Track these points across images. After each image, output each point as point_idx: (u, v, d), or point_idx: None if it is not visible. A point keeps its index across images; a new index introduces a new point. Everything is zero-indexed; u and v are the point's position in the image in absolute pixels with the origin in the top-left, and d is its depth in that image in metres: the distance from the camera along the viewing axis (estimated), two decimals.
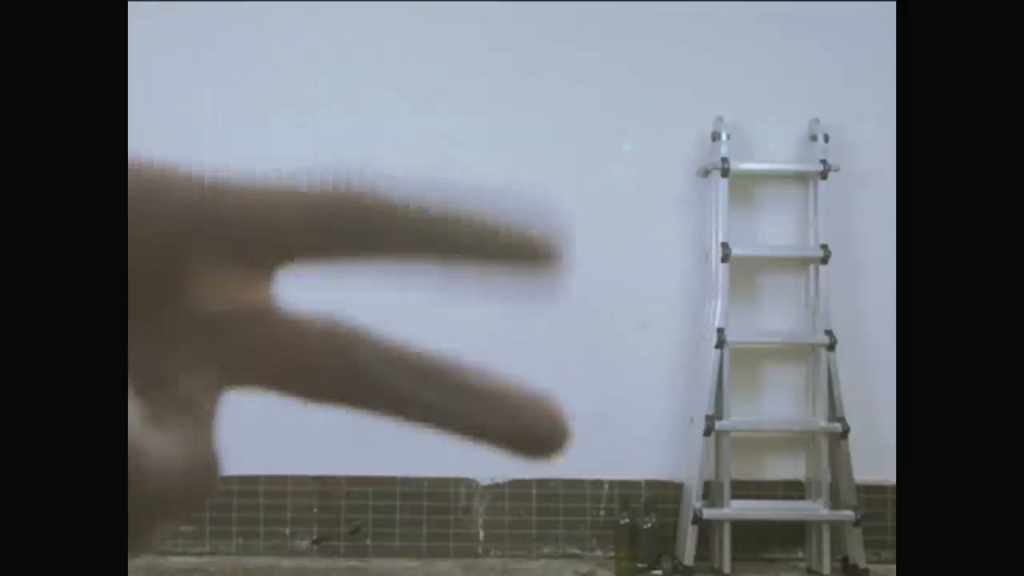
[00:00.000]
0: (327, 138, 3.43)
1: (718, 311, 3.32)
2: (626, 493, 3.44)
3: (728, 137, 3.36)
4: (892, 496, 3.51)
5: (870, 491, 3.43)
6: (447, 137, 3.46)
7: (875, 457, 3.38)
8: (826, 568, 3.34)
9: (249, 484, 3.40)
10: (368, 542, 3.35)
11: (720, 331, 3.29)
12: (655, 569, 3.32)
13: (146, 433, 0.23)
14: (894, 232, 2.39)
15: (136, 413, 0.23)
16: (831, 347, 3.33)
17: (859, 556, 3.33)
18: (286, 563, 3.39)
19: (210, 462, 0.25)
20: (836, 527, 3.39)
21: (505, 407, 0.25)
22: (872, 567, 3.35)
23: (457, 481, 3.46)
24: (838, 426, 3.32)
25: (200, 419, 0.25)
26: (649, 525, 3.31)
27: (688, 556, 3.27)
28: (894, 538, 3.51)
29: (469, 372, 0.26)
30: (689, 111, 3.43)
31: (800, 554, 3.49)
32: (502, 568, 3.41)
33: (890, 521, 3.50)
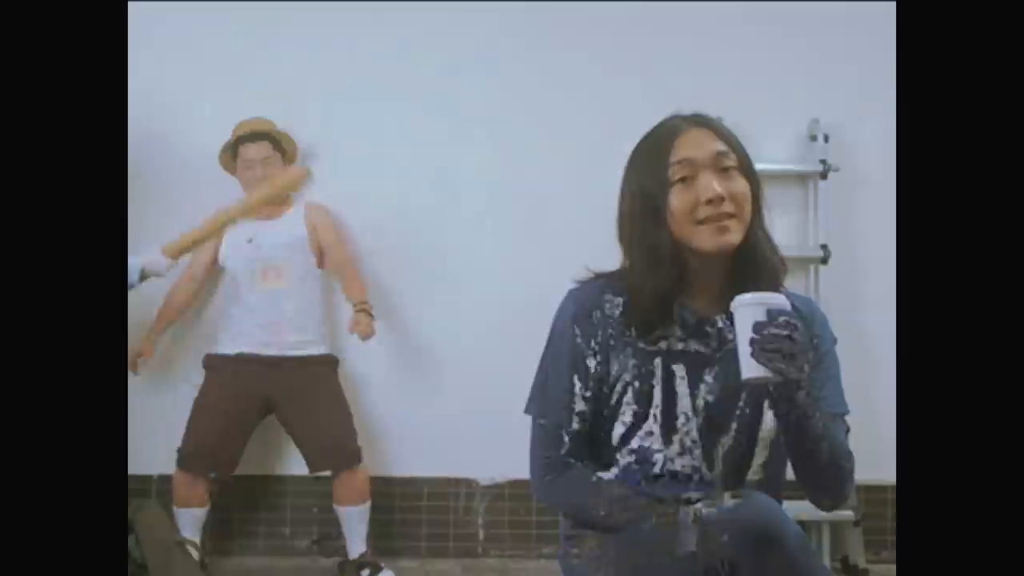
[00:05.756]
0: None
1: None
2: None
3: None
4: (892, 496, 3.51)
5: (870, 491, 3.42)
6: (447, 135, 3.46)
7: (875, 457, 3.37)
8: None
9: (249, 484, 3.41)
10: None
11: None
12: None
13: None
14: (894, 232, 2.39)
15: None
16: None
17: (859, 556, 3.33)
18: (286, 563, 3.39)
19: None
20: (836, 527, 3.39)
21: None
22: (872, 567, 3.35)
23: (457, 481, 3.45)
24: None
25: None
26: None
27: None
28: (894, 538, 3.51)
29: None
30: (688, 111, 3.42)
31: None
32: (502, 568, 3.41)
33: (890, 521, 3.49)
